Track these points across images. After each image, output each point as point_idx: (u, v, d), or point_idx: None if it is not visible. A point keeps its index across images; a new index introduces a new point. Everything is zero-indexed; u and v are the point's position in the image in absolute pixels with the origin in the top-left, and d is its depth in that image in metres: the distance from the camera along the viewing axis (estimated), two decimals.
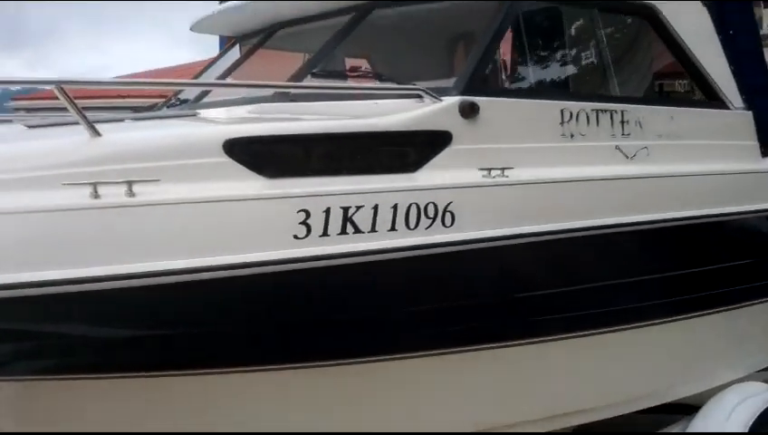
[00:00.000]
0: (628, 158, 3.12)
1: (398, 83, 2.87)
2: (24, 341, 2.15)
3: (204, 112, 2.95)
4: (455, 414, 2.82)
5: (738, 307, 3.53)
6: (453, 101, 2.64)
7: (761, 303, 3.63)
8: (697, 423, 3.38)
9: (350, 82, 3.06)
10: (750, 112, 3.73)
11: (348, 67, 3.24)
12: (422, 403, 2.75)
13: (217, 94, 3.58)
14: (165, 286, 2.13)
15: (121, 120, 3.00)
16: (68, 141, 2.27)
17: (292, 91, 2.93)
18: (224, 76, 3.72)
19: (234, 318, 2.26)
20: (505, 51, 3.18)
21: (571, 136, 2.96)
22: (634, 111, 3.17)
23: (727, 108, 3.67)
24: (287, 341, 2.36)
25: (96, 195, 2.09)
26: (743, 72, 3.75)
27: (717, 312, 3.42)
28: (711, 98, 3.64)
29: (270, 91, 2.96)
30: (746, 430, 3.28)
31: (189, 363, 2.34)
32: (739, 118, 3.70)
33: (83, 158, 2.18)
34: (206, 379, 2.35)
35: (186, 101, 3.71)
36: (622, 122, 3.12)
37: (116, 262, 2.08)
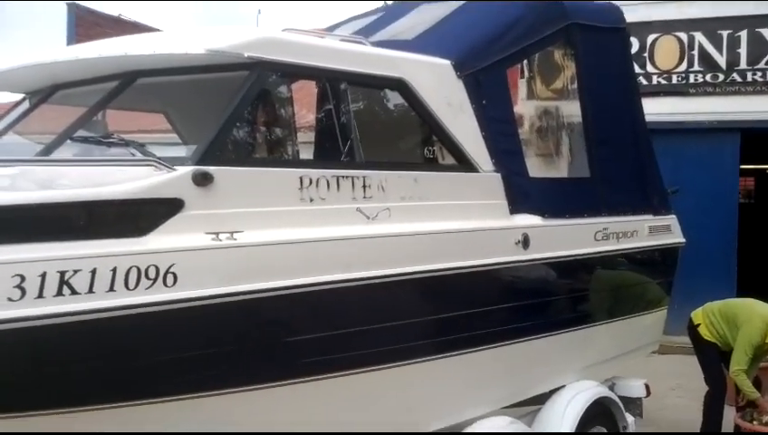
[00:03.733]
0: (369, 218, 3.59)
1: (142, 151, 3.23)
2: None
3: None
4: None
5: (482, 349, 4.08)
6: (186, 170, 3.00)
7: (503, 345, 4.19)
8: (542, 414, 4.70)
9: (107, 149, 3.37)
10: (499, 175, 4.30)
11: (108, 131, 3.56)
12: None
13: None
14: None
15: None
16: None
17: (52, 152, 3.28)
18: (6, 130, 3.96)
19: None
20: (257, 118, 3.58)
21: (311, 200, 3.37)
22: (376, 175, 3.65)
23: (476, 171, 4.22)
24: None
25: None
26: (493, 137, 4.32)
27: (460, 354, 3.94)
28: (461, 162, 4.18)
29: (40, 147, 3.27)
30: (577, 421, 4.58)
31: None
32: (488, 179, 4.25)
33: None
34: None
35: None
36: (364, 187, 3.58)
37: None
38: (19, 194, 2.76)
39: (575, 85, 5.34)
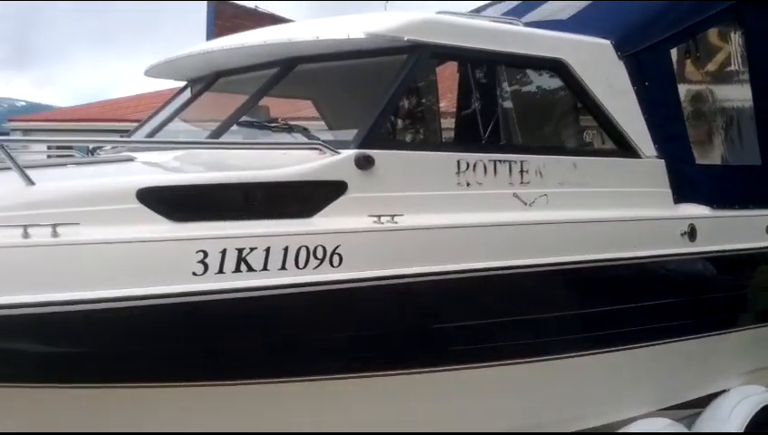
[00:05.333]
0: (525, 204, 3.56)
1: (307, 135, 3.36)
2: None
3: (140, 156, 3.45)
4: None
5: (642, 347, 3.94)
6: (349, 153, 3.11)
7: (663, 344, 4.03)
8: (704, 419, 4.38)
9: (270, 133, 3.54)
10: (662, 161, 4.15)
11: (270, 116, 3.73)
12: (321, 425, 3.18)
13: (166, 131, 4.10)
14: (81, 313, 2.60)
15: (65, 164, 3.53)
16: (5, 189, 2.78)
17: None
18: (172, 117, 4.23)
19: (134, 341, 2.72)
20: (414, 102, 3.64)
21: (468, 184, 3.40)
22: (534, 160, 3.61)
23: (639, 156, 4.08)
24: (185, 361, 2.82)
25: (26, 235, 2.58)
26: (656, 121, 4.17)
27: (616, 350, 3.83)
28: (622, 147, 4.06)
29: (204, 133, 3.47)
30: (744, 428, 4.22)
31: (105, 379, 2.79)
32: (651, 166, 4.11)
33: (18, 204, 2.69)
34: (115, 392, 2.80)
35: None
36: (521, 171, 3.56)
37: (39, 291, 2.55)
38: (203, 174, 2.95)
39: (740, 67, 5.04)
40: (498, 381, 3.45)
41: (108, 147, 4.29)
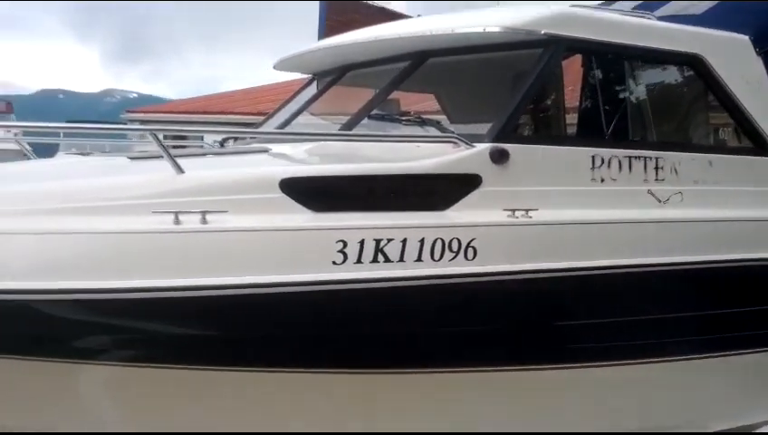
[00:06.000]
0: (660, 202, 3.48)
1: (440, 128, 3.39)
2: (118, 334, 2.78)
3: (274, 148, 3.58)
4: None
5: None
6: (484, 147, 3.13)
7: None
8: None
9: (400, 126, 3.60)
10: None
11: (408, 108, 3.78)
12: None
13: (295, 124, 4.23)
14: (224, 297, 2.72)
15: (204, 154, 3.70)
16: (158, 177, 2.94)
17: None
18: (300, 110, 4.36)
19: (273, 327, 2.83)
20: (545, 96, 3.61)
21: (602, 181, 3.36)
22: (669, 157, 3.52)
23: None
24: (322, 349, 2.91)
25: (177, 221, 2.74)
26: None
27: (752, 353, 3.69)
28: (758, 145, 3.90)
29: (335, 126, 3.55)
30: None
31: (247, 362, 2.90)
32: None
33: (170, 191, 2.85)
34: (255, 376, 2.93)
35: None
36: (656, 168, 3.48)
37: (188, 275, 2.69)
38: (342, 166, 3.03)
39: None
40: (632, 380, 3.41)
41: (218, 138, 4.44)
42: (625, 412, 3.50)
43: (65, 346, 2.73)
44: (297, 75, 5.07)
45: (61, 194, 2.91)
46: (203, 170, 3.11)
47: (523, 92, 3.33)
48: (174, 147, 3.52)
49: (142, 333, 2.80)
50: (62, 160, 4.59)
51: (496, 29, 3.33)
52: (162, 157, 2.91)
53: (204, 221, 2.76)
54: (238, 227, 2.79)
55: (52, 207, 2.81)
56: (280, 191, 2.89)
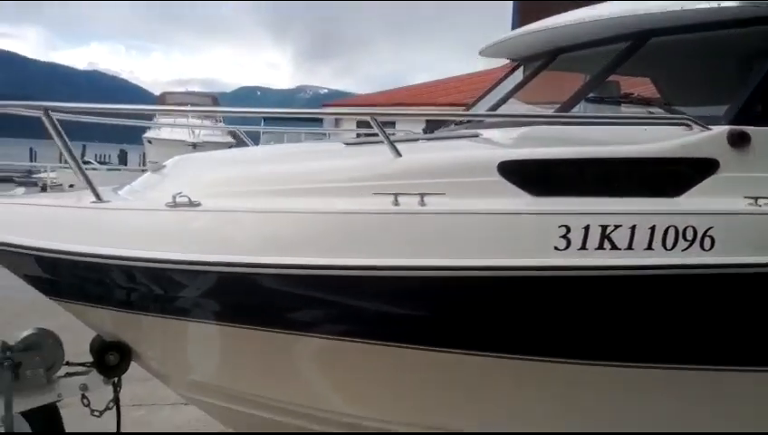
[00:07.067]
0: None
1: (669, 110, 3.15)
2: (331, 308, 2.85)
3: (484, 133, 3.53)
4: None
5: None
6: (721, 130, 2.88)
7: None
8: None
9: (621, 108, 3.39)
10: None
11: (622, 91, 3.57)
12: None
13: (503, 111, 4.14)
14: (442, 279, 2.71)
15: (416, 139, 3.72)
16: (377, 160, 2.99)
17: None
18: (507, 97, 4.27)
19: (489, 311, 2.77)
20: None
21: None
22: None
23: None
24: (544, 336, 2.82)
25: (396, 203, 2.77)
26: None
27: None
28: None
29: (542, 112, 3.41)
30: None
31: (455, 344, 2.87)
32: None
33: (389, 173, 2.89)
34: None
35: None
36: None
37: (405, 256, 2.71)
38: (563, 149, 2.91)
39: None
40: None
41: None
42: None
43: (284, 318, 2.85)
44: (482, 67, 4.97)
45: (286, 176, 3.06)
46: (420, 154, 3.12)
47: (765, 71, 3.01)
48: (365, 135, 3.53)
49: (358, 309, 2.85)
50: (281, 147, 4.85)
51: (732, 4, 3.04)
52: (375, 142, 2.95)
53: (422, 203, 2.77)
54: (456, 209, 2.77)
55: (278, 189, 2.96)
56: (498, 175, 2.84)
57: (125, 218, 2.98)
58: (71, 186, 5.47)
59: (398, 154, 2.92)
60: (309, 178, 3.00)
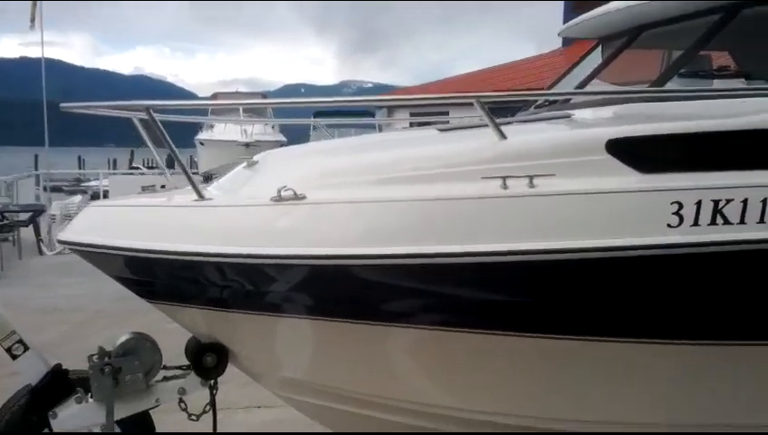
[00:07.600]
0: None
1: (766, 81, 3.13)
2: (427, 298, 2.88)
3: (576, 113, 3.54)
4: None
5: None
6: None
7: None
8: None
9: (716, 82, 3.37)
10: None
11: (713, 66, 3.55)
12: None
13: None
14: (556, 262, 2.72)
15: (509, 122, 3.75)
16: (482, 143, 3.01)
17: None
18: (590, 78, 4.27)
19: (603, 293, 2.79)
20: None
21: None
22: None
23: None
24: (649, 315, 2.83)
25: (505, 186, 2.80)
26: None
27: None
28: None
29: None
30: None
31: (551, 328, 2.89)
32: None
33: (496, 156, 2.92)
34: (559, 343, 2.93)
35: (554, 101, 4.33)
36: None
37: (517, 240, 2.72)
38: (671, 124, 2.92)
39: None
40: None
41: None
42: None
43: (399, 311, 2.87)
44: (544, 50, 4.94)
45: (390, 164, 3.08)
46: (525, 135, 3.14)
47: None
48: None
49: (470, 297, 2.86)
50: (370, 136, 4.87)
51: None
52: (472, 127, 2.95)
53: (531, 185, 2.80)
54: (568, 190, 2.79)
55: (384, 177, 2.98)
56: (606, 153, 2.86)
57: (230, 215, 2.99)
58: (162, 186, 5.62)
59: (504, 136, 2.94)
60: (415, 166, 3.00)
